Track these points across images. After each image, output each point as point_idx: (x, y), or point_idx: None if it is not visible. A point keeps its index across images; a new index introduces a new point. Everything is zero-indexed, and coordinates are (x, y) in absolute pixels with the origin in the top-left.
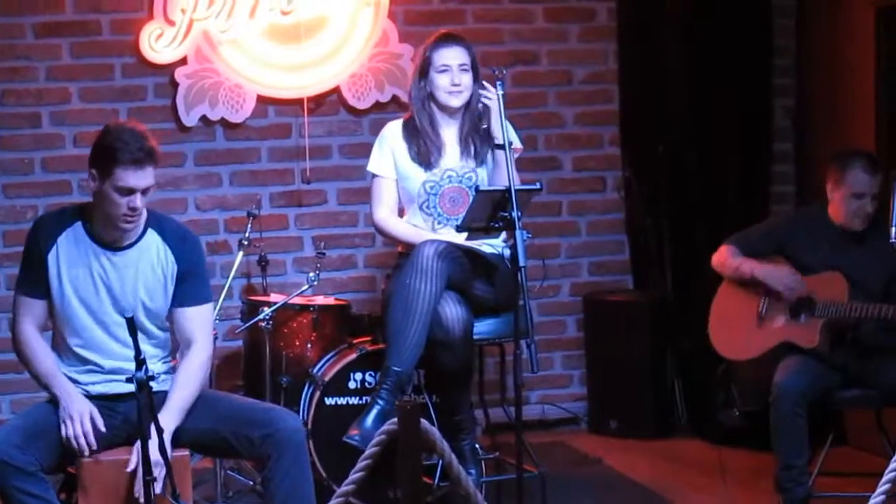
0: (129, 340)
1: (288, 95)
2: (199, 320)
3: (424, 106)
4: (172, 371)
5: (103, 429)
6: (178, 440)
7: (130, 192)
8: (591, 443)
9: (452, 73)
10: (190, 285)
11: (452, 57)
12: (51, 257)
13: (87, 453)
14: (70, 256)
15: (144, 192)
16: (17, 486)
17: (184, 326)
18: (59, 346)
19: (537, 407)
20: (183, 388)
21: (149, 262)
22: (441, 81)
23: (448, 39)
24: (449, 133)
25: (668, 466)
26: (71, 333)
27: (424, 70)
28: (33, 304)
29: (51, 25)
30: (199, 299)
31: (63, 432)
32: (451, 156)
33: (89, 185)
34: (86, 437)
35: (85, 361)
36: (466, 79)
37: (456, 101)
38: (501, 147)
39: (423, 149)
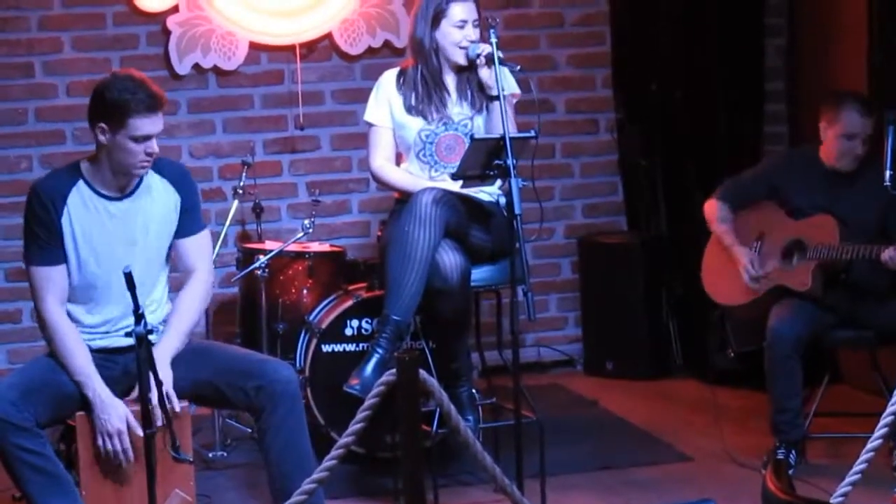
0: (137, 293)
1: (280, 42)
2: (200, 248)
3: (434, 56)
4: None
5: (140, 432)
6: (175, 392)
7: (147, 138)
8: (586, 384)
9: (468, 28)
10: (190, 216)
11: (468, 12)
12: (64, 220)
13: (124, 465)
14: (80, 215)
15: (157, 136)
16: (13, 441)
17: (186, 256)
18: (72, 308)
19: (533, 349)
20: (184, 314)
21: (155, 201)
22: (456, 36)
23: None
24: (449, 82)
25: (664, 407)
26: (86, 293)
27: (437, 20)
28: (52, 273)
29: None
30: (196, 229)
31: (100, 444)
32: (450, 104)
33: (97, 139)
34: (125, 454)
35: (94, 323)
36: (477, 33)
37: (464, 59)
38: (496, 98)
39: (426, 99)
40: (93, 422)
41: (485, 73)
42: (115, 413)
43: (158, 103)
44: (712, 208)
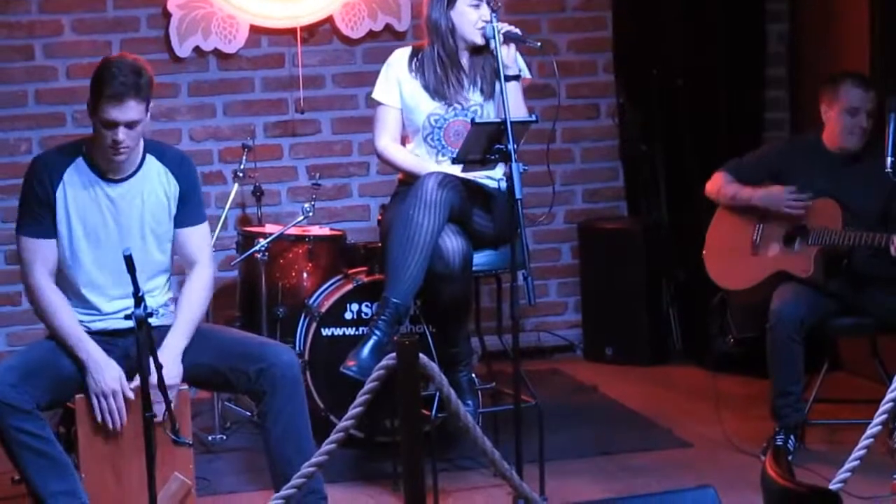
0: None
1: (281, 25)
2: (200, 239)
3: (450, 37)
4: (173, 301)
5: (132, 395)
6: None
7: (114, 125)
8: (586, 370)
9: (483, 7)
10: (189, 206)
11: None
12: (59, 194)
13: (118, 428)
14: (76, 192)
15: (130, 125)
16: (13, 424)
17: (186, 246)
18: (63, 288)
19: (533, 335)
20: (188, 311)
21: (152, 187)
22: (472, 16)
23: None
24: (464, 63)
25: (664, 393)
26: (78, 273)
27: (452, 1)
28: (42, 246)
29: None
30: (197, 219)
31: (95, 407)
32: (467, 85)
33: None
34: (119, 414)
35: (88, 301)
36: (488, 13)
37: (481, 39)
38: (515, 78)
39: (442, 81)
40: (86, 381)
41: (504, 52)
42: (109, 374)
43: (129, 92)
44: (717, 179)
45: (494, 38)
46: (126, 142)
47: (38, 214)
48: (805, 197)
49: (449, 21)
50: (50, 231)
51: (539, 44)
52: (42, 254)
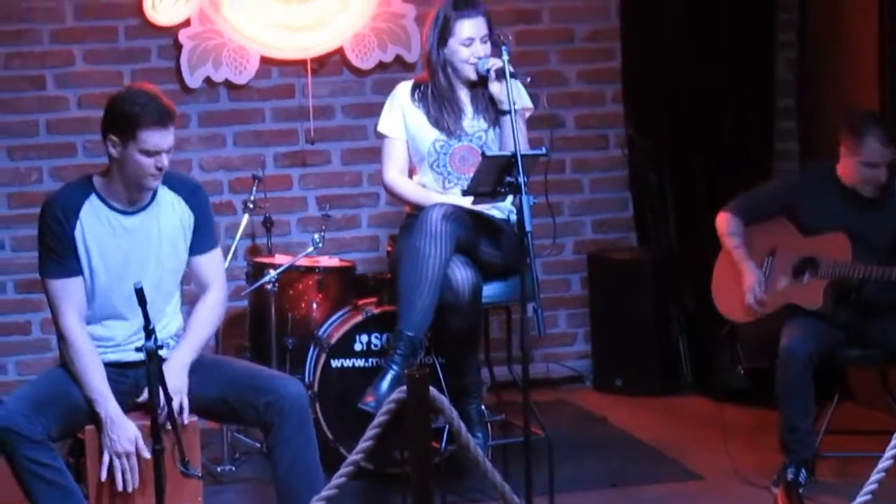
0: (148, 308)
1: (291, 56)
2: (213, 265)
3: (443, 73)
4: (184, 330)
5: (147, 456)
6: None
7: (156, 152)
8: (595, 400)
9: (476, 45)
10: (203, 233)
11: (475, 30)
12: (77, 233)
13: (129, 490)
14: (94, 229)
15: (168, 151)
16: (25, 454)
17: (199, 273)
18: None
19: (542, 365)
20: (199, 328)
21: (167, 217)
22: (464, 54)
23: (469, 7)
24: (463, 97)
25: (673, 424)
26: (98, 307)
27: (444, 38)
28: (69, 285)
29: None
30: (211, 245)
31: (104, 462)
32: (465, 118)
33: (108, 151)
34: (132, 474)
35: (106, 334)
36: (487, 49)
37: (474, 74)
38: (507, 113)
39: (440, 114)
40: (101, 438)
41: (495, 88)
42: (125, 434)
43: (169, 117)
44: (724, 221)
45: (488, 72)
46: (166, 167)
47: (61, 255)
48: (761, 296)
49: (442, 58)
50: (74, 269)
51: (529, 78)
52: (70, 293)
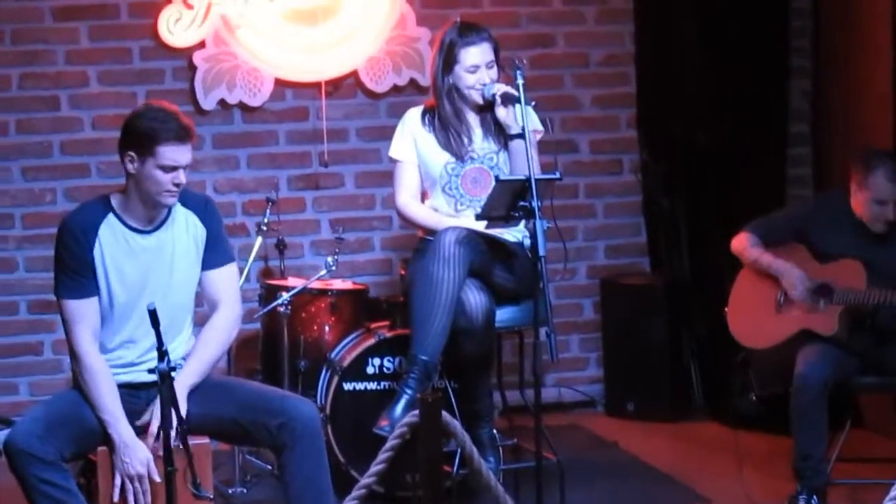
0: (165, 329)
1: (305, 79)
2: (225, 281)
3: (450, 99)
4: None
5: (158, 479)
6: (195, 428)
7: (174, 168)
8: (607, 425)
9: (481, 72)
10: (215, 248)
11: (481, 56)
12: (95, 253)
13: None
14: (112, 249)
15: (185, 167)
16: (37, 475)
17: (210, 289)
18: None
19: (554, 390)
20: (204, 351)
21: (181, 234)
22: (469, 80)
23: (474, 34)
24: (472, 120)
25: (685, 450)
26: (115, 328)
27: (449, 64)
28: (84, 306)
29: (69, 9)
30: (224, 260)
31: (116, 483)
32: (475, 139)
33: (126, 168)
34: (144, 496)
35: (121, 355)
36: (493, 74)
37: (480, 99)
38: (519, 137)
39: (450, 138)
40: (113, 460)
41: (501, 113)
42: (137, 457)
43: (187, 134)
44: (743, 239)
45: (493, 97)
46: (184, 183)
47: (78, 276)
48: (808, 298)
49: (447, 84)
50: (91, 290)
51: (534, 103)
52: (85, 314)
